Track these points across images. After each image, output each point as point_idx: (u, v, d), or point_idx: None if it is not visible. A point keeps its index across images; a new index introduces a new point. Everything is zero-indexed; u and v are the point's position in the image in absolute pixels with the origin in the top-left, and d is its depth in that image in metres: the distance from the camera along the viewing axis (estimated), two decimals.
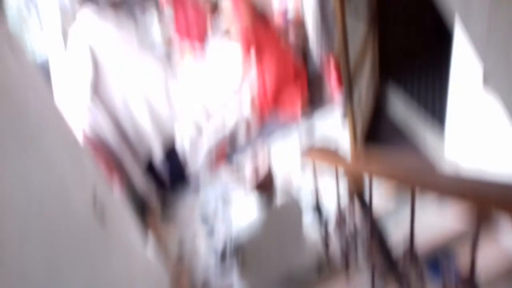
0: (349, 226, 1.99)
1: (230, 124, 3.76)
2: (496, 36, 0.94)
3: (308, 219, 2.48)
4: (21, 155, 1.11)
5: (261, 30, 3.59)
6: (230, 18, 3.76)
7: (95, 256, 1.43)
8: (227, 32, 4.28)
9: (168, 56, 4.83)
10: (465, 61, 2.31)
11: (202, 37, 4.46)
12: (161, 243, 2.98)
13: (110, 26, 2.63)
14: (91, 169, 1.87)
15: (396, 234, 2.09)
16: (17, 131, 1.16)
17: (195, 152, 3.65)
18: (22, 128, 1.21)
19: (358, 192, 2.06)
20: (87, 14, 2.57)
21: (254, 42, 3.55)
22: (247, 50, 3.57)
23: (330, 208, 2.44)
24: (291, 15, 4.03)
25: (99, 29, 2.61)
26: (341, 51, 2.62)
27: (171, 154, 3.27)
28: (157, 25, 5.32)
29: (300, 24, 3.81)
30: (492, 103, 2.12)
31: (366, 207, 2.00)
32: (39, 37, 6.84)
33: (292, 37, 3.91)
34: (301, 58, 3.97)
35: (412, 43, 3.52)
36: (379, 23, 3.30)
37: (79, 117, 2.73)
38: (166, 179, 3.51)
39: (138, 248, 2.10)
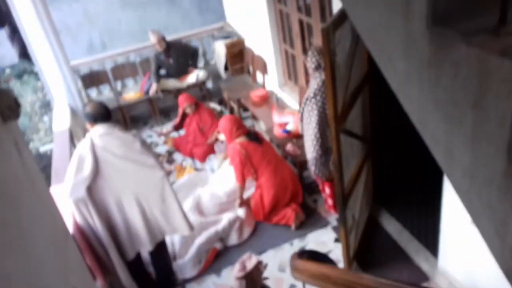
0: None
1: (224, 221, 3.71)
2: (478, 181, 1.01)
3: None
4: (7, 255, 1.09)
5: (256, 145, 3.77)
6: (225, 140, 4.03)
7: None
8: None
9: (169, 154, 5.02)
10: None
11: (205, 155, 4.74)
12: None
13: (116, 131, 2.80)
14: (75, 266, 1.81)
15: None
16: (7, 228, 1.16)
17: (185, 248, 3.55)
18: (12, 225, 1.21)
19: None
20: (97, 128, 2.78)
21: (250, 155, 3.71)
22: (241, 164, 3.71)
23: None
24: (290, 127, 4.28)
25: (106, 134, 2.77)
26: (337, 176, 2.72)
27: (160, 249, 3.17)
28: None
29: (299, 137, 4.02)
30: None
31: None
32: (46, 136, 7.15)
33: (290, 148, 4.09)
34: (299, 170, 4.11)
35: (405, 170, 3.67)
36: (373, 151, 3.48)
37: (72, 208, 2.73)
38: (153, 276, 3.35)
39: None
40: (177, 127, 5.08)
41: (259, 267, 2.08)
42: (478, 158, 0.96)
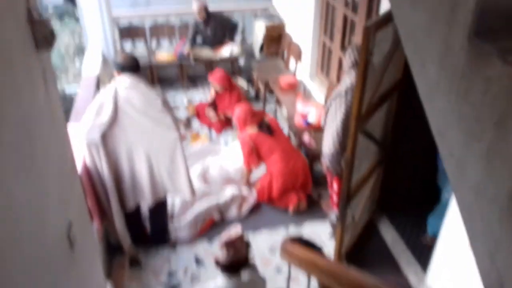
0: None
1: (226, 195, 3.79)
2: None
3: None
4: (15, 178, 1.15)
5: (266, 137, 3.84)
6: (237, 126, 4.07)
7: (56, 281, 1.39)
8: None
9: (188, 121, 5.08)
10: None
11: (222, 126, 4.78)
12: None
13: (141, 85, 2.85)
14: (76, 203, 1.89)
15: None
16: (19, 153, 1.21)
17: (184, 211, 3.64)
18: (25, 151, 1.27)
19: None
20: (124, 78, 2.84)
21: (258, 146, 3.80)
22: (248, 154, 3.82)
23: None
24: (311, 119, 4.28)
25: (131, 87, 2.82)
26: (346, 173, 2.73)
27: (160, 207, 3.26)
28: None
29: (318, 130, 4.02)
30: None
31: None
32: (74, 80, 7.31)
33: (306, 139, 4.10)
34: (310, 162, 4.12)
35: (413, 187, 3.64)
36: (388, 158, 3.47)
37: (84, 149, 2.83)
38: (148, 230, 3.45)
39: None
40: (211, 105, 4.89)
41: (243, 238, 2.13)
42: (488, 176, 0.97)
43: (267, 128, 3.92)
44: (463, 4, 0.94)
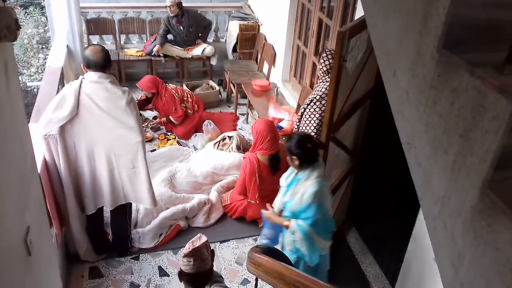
0: None
1: (193, 201, 3.67)
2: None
3: None
4: None
5: (269, 174, 3.50)
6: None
7: None
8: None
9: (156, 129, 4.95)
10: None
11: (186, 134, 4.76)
12: None
13: (107, 82, 2.73)
14: (35, 206, 1.78)
15: None
16: None
17: (148, 217, 3.49)
18: None
19: None
20: (91, 74, 2.71)
21: (254, 178, 3.48)
22: (242, 178, 3.54)
23: None
24: (284, 124, 4.27)
25: (97, 82, 2.70)
26: None
27: (122, 212, 3.12)
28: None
29: (290, 135, 4.00)
30: None
31: None
32: (36, 73, 6.98)
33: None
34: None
35: (385, 194, 3.68)
36: (359, 167, 3.50)
37: (42, 143, 2.70)
38: (109, 236, 3.32)
39: None
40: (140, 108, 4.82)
41: (207, 246, 2.07)
42: (452, 188, 0.97)
43: (276, 164, 3.51)
44: (435, 15, 0.94)
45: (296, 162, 2.47)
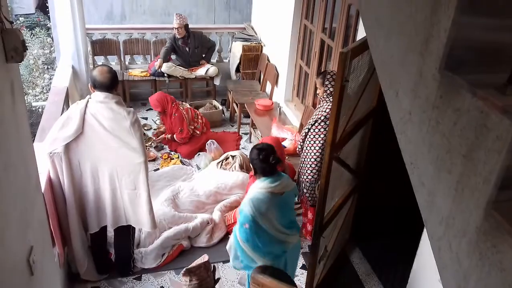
0: None
1: (196, 221, 3.65)
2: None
3: None
4: None
5: None
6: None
7: None
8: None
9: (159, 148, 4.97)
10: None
11: (190, 154, 4.78)
12: None
13: (113, 103, 2.76)
14: (38, 225, 1.78)
15: None
16: None
17: (151, 237, 3.45)
18: None
19: None
20: (97, 94, 2.75)
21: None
22: None
23: None
24: (286, 143, 4.27)
25: (102, 102, 2.73)
26: (319, 202, 2.70)
27: (124, 232, 3.11)
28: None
29: (293, 155, 4.00)
30: None
31: None
32: (41, 93, 7.05)
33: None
34: None
35: (389, 215, 3.63)
36: (362, 186, 3.47)
37: (47, 161, 2.72)
38: (112, 256, 3.28)
39: None
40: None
41: (208, 266, 2.05)
42: (457, 209, 0.97)
43: None
44: (436, 37, 0.96)
45: (253, 171, 2.59)
